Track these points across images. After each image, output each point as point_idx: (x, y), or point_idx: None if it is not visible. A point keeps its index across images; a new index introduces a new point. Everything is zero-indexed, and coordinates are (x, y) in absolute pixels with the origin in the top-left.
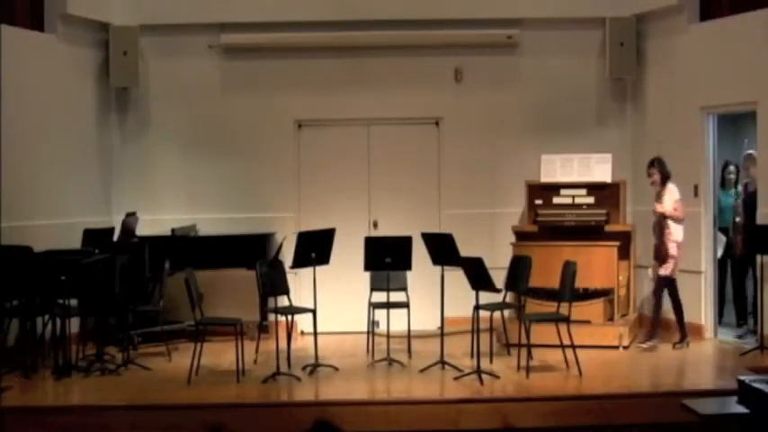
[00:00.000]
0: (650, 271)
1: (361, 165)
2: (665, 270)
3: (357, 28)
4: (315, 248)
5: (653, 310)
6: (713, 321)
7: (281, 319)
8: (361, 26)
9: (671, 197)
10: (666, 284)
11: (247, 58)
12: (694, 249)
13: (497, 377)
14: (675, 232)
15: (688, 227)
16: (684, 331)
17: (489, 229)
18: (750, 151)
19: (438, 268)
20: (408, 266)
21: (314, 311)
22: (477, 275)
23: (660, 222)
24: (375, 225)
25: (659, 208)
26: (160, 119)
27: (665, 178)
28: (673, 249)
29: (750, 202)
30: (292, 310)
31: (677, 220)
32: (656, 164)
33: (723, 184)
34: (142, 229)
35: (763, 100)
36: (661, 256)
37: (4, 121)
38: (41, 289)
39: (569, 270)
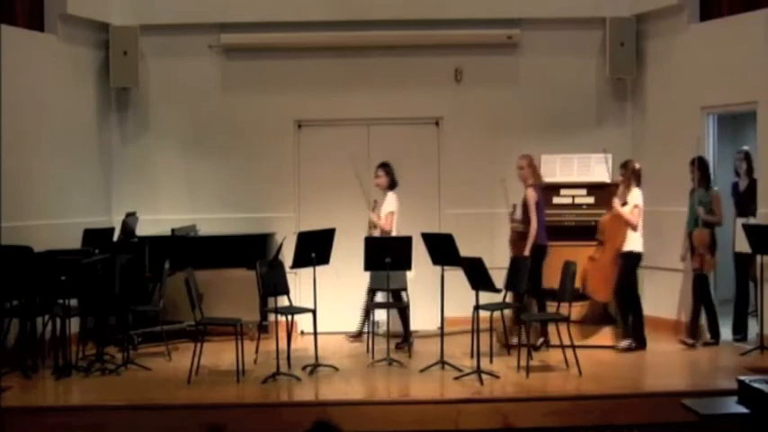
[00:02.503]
0: None
1: (361, 165)
2: None
3: (357, 28)
4: (315, 248)
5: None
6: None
7: (281, 319)
8: (361, 26)
9: (386, 207)
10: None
11: (247, 58)
12: None
13: (497, 377)
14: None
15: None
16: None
17: (489, 229)
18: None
19: (438, 268)
20: (408, 266)
21: (314, 311)
22: (477, 275)
23: (381, 232)
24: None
25: (373, 218)
26: (160, 119)
27: (391, 185)
28: None
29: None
30: (292, 310)
31: (387, 234)
32: (384, 167)
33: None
34: (142, 229)
35: (763, 100)
36: None
37: (4, 121)
38: (41, 289)
39: (569, 270)
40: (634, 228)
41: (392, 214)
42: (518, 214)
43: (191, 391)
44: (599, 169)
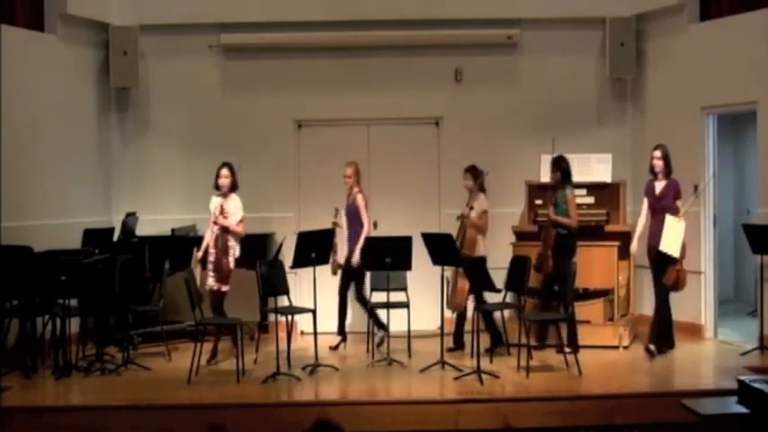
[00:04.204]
0: None
1: (361, 165)
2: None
3: (357, 28)
4: (315, 248)
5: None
6: (713, 321)
7: (281, 319)
8: (361, 26)
9: (237, 211)
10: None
11: (247, 58)
12: (694, 249)
13: (497, 377)
14: (237, 249)
15: (688, 226)
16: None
17: (489, 229)
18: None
19: (438, 268)
20: (408, 266)
21: (314, 311)
22: (478, 275)
23: (222, 236)
24: (375, 225)
25: (220, 220)
26: (160, 119)
27: (234, 187)
28: (233, 264)
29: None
30: (292, 310)
31: (236, 235)
32: (228, 166)
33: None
34: (142, 229)
35: (763, 100)
36: (222, 270)
37: (4, 121)
38: (41, 289)
39: (569, 270)
40: (484, 233)
41: (244, 218)
42: (342, 220)
43: (191, 391)
44: (599, 169)
